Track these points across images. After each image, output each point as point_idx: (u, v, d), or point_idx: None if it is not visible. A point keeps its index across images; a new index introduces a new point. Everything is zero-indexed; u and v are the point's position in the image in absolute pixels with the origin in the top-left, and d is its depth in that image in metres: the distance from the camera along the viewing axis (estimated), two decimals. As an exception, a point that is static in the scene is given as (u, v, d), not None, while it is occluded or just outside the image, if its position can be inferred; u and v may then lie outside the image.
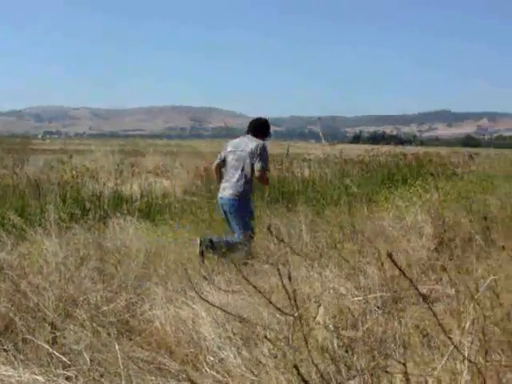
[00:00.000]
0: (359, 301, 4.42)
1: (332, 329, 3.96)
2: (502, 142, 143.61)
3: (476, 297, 2.95)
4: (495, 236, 5.95)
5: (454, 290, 4.89)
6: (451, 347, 2.64)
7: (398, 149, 23.09)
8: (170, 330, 4.08)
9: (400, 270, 2.26)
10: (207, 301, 3.33)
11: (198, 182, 13.22)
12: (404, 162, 16.21)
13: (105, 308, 4.43)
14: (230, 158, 6.79)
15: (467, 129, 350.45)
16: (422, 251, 5.76)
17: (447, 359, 2.70)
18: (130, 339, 4.05)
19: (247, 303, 4.35)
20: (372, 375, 3.09)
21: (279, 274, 2.52)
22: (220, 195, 6.82)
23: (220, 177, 7.01)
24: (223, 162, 6.94)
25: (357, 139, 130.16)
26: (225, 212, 6.80)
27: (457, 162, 20.55)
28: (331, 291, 4.56)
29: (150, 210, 9.92)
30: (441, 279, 5.25)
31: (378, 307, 4.54)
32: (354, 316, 4.19)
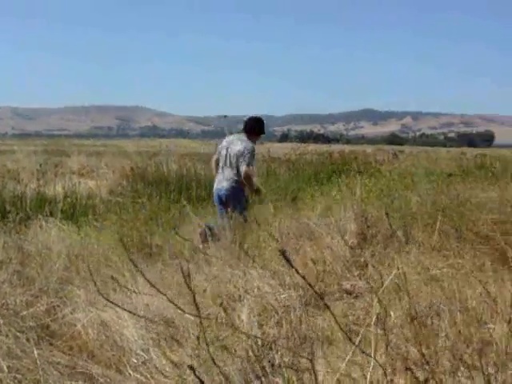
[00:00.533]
0: (283, 298, 4.46)
1: (256, 326, 3.98)
2: (425, 140, 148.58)
3: (380, 292, 3.02)
4: (415, 232, 6.10)
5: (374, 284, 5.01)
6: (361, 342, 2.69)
7: (325, 147, 23.41)
8: (92, 333, 4.00)
9: (296, 269, 2.27)
10: (116, 304, 3.27)
11: (124, 182, 13.06)
12: (330, 161, 16.45)
13: (24, 312, 4.30)
14: (224, 154, 7.22)
15: (392, 127, 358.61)
16: (345, 248, 5.84)
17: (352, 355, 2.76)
18: (51, 344, 3.94)
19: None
20: (296, 371, 3.12)
21: (182, 273, 2.49)
22: (218, 186, 7.32)
23: (217, 170, 7.42)
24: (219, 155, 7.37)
25: (285, 138, 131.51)
26: (221, 201, 7.25)
27: (381, 160, 20.97)
28: (255, 290, 4.59)
29: (74, 212, 9.72)
30: (363, 275, 5.33)
31: (303, 304, 4.59)
32: (278, 313, 4.22)
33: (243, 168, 6.98)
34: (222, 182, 7.23)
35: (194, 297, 2.42)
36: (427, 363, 2.75)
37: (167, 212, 8.55)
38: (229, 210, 6.84)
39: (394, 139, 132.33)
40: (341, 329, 2.52)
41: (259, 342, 3.50)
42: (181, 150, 28.61)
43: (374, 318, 2.97)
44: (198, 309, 2.54)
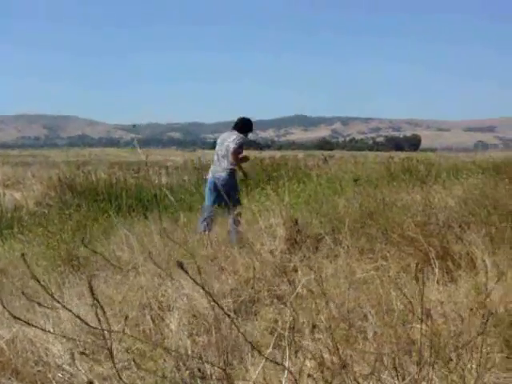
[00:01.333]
0: (213, 306, 4.44)
1: (186, 335, 3.96)
2: (354, 145, 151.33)
3: (291, 299, 3.05)
4: (343, 236, 6.18)
5: (305, 289, 5.06)
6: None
7: (256, 153, 23.47)
8: (15, 349, 3.88)
9: (194, 280, 2.28)
10: (28, 323, 3.18)
11: (52, 192, 12.77)
12: (261, 166, 16.50)
13: None
14: (219, 148, 8.23)
15: (322, 133, 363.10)
16: (275, 253, 5.87)
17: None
18: (-28, 363, 3.80)
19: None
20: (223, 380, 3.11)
21: (89, 286, 2.45)
22: (215, 175, 8.08)
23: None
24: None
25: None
26: (215, 188, 7.92)
27: (312, 165, 21.20)
28: (185, 298, 4.56)
29: (-1, 224, 9.44)
30: (293, 280, 5.37)
31: (234, 311, 4.60)
32: (207, 321, 4.20)
33: (232, 148, 8.00)
34: (220, 172, 8.10)
35: (97, 310, 2.38)
36: (344, 367, 2.79)
37: (95, 222, 8.40)
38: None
39: (324, 144, 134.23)
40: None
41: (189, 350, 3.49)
42: (110, 158, 28.23)
43: (287, 324, 3.00)
44: (99, 320, 2.50)
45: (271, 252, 5.83)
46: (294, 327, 3.25)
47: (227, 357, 3.67)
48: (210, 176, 8.25)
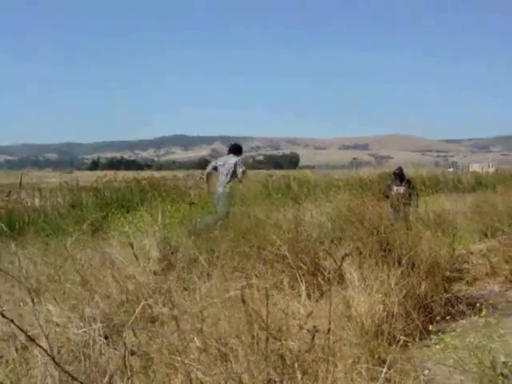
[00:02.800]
0: (83, 332, 4.32)
1: (54, 363, 3.82)
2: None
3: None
4: (218, 255, 6.22)
5: (177, 311, 5.03)
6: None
7: (136, 174, 23.19)
8: None
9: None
10: None
11: None
12: (138, 187, 16.32)
13: None
14: (221, 169, 10.26)
15: (203, 152, 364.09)
16: (149, 275, 5.81)
17: None
18: None
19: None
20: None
21: None
22: (218, 189, 10.08)
23: (207, 179, 10.66)
24: (215, 170, 10.46)
25: (95, 166, 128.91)
26: (217, 200, 9.84)
27: (191, 184, 21.19)
28: (54, 325, 4.41)
29: None
30: (168, 302, 5.33)
31: (105, 336, 4.49)
32: (77, 348, 4.08)
33: (241, 169, 10.08)
34: (219, 187, 10.05)
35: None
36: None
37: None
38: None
39: (204, 163, 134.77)
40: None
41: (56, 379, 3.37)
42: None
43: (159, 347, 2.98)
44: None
45: (145, 274, 5.77)
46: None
47: (96, 384, 3.58)
48: (219, 190, 10.07)
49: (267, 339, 2.98)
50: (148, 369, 3.92)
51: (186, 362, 3.26)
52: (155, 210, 7.38)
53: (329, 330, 3.38)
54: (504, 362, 3.68)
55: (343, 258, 5.69)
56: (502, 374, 3.64)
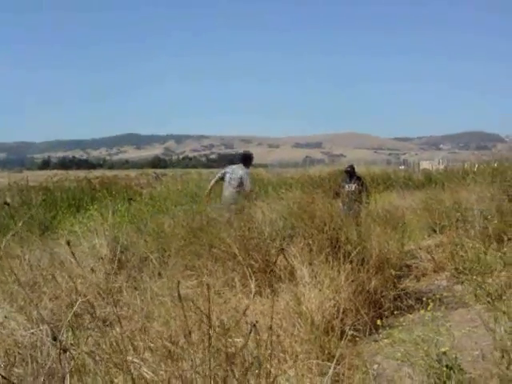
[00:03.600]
0: (31, 334, 4.25)
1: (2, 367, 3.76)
2: (188, 162, 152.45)
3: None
4: (170, 253, 6.19)
5: (131, 310, 5.00)
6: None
7: (88, 173, 22.90)
8: None
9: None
10: None
11: None
12: (89, 186, 16.14)
13: None
14: (228, 177, 9.94)
15: (156, 151, 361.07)
16: (100, 275, 5.75)
17: None
18: None
19: None
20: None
21: None
22: (226, 198, 9.73)
23: (211, 189, 10.15)
24: (222, 179, 10.06)
25: (46, 165, 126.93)
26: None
27: (144, 183, 21.08)
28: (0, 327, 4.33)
29: None
30: (118, 301, 5.28)
31: (54, 338, 4.42)
32: (24, 350, 4.01)
33: (248, 186, 9.75)
34: (227, 195, 9.76)
35: None
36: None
37: None
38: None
39: (157, 162, 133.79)
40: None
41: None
42: None
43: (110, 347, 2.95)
44: None
45: (95, 273, 5.70)
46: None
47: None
48: (222, 200, 9.98)
49: (209, 337, 2.98)
50: (88, 368, 3.87)
51: (132, 360, 3.23)
52: (106, 209, 7.31)
53: (270, 326, 3.39)
54: (444, 352, 3.76)
55: (280, 252, 5.76)
56: (447, 366, 3.71)
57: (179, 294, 2.85)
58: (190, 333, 4.22)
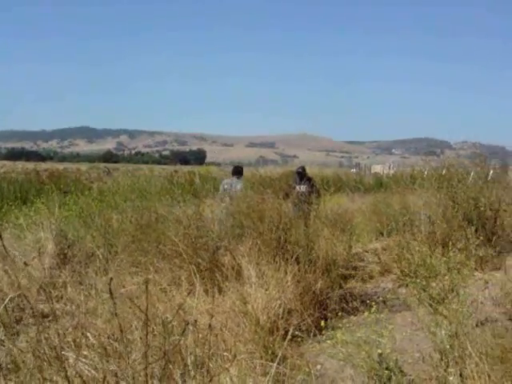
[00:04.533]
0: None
1: None
2: (140, 158, 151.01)
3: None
4: (117, 249, 6.13)
5: (74, 306, 4.92)
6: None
7: (37, 165, 22.48)
8: None
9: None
10: None
11: None
12: (37, 179, 15.82)
13: None
14: (228, 188, 10.53)
15: (108, 145, 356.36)
16: (43, 269, 5.65)
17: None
18: None
19: None
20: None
21: None
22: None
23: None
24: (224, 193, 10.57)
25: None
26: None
27: (94, 177, 20.81)
28: None
29: None
30: (61, 297, 5.21)
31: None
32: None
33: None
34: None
35: None
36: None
37: None
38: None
39: (109, 157, 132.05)
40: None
41: None
42: None
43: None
44: None
45: (39, 268, 5.60)
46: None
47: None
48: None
49: (146, 334, 2.95)
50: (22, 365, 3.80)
51: (68, 357, 3.18)
52: (53, 202, 7.17)
53: (209, 324, 3.38)
54: (380, 354, 3.82)
55: (217, 249, 5.79)
56: (387, 368, 3.77)
57: (111, 291, 2.82)
58: (126, 330, 4.19)
